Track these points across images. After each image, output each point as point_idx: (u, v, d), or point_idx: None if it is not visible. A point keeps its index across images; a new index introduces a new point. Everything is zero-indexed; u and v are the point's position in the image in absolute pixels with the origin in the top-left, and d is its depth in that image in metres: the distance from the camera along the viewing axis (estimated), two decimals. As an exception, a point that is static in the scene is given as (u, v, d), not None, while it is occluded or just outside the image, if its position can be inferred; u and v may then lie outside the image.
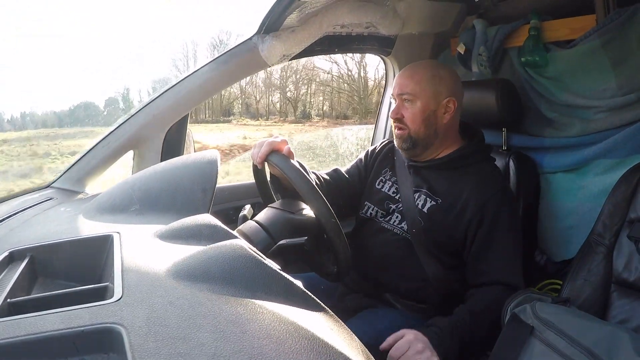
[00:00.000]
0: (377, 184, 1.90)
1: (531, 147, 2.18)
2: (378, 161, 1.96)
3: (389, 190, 1.84)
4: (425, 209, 1.72)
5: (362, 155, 2.04)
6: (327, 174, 1.92)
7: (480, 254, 1.67)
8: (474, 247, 1.68)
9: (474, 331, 1.52)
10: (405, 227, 1.74)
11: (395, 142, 1.82)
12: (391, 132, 1.87)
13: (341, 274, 1.50)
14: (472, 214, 1.66)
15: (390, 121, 1.79)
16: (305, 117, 19.54)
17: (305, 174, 1.46)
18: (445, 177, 1.75)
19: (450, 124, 1.77)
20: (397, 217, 1.78)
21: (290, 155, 1.53)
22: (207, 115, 18.57)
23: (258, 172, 1.67)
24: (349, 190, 1.93)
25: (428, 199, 1.73)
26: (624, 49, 1.87)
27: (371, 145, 2.30)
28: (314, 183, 1.56)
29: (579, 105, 2.02)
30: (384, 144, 2.02)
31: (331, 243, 1.43)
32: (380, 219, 1.82)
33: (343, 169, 1.99)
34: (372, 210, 1.85)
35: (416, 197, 1.75)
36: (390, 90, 2.56)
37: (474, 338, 1.52)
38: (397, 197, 1.81)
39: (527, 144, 2.19)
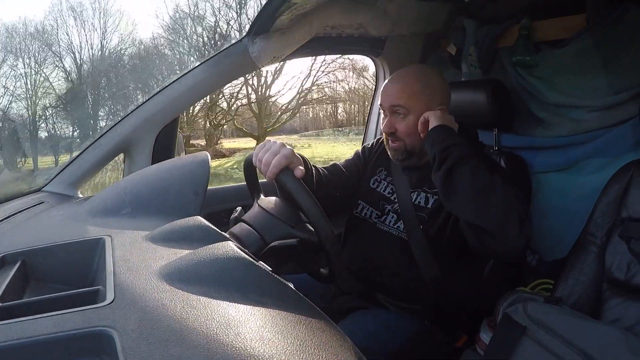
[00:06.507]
0: (371, 182, 1.87)
1: (522, 147, 2.18)
2: (374, 159, 1.92)
3: (384, 191, 1.82)
4: (429, 205, 1.69)
5: (359, 150, 2.00)
6: (326, 168, 1.86)
7: None
8: None
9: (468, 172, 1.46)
10: (402, 227, 1.72)
11: (389, 153, 1.78)
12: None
13: (333, 276, 1.49)
14: None
15: (381, 125, 1.76)
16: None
17: (315, 200, 1.39)
18: None
19: None
20: (392, 217, 1.76)
21: (302, 174, 1.38)
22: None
23: (249, 170, 1.66)
24: (346, 184, 1.87)
25: (429, 195, 1.71)
26: (614, 48, 1.88)
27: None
28: (314, 178, 1.56)
29: (570, 105, 2.03)
30: (380, 140, 1.95)
31: (328, 259, 1.41)
32: (375, 220, 1.79)
33: (341, 164, 1.95)
34: (367, 210, 1.82)
35: (415, 197, 1.73)
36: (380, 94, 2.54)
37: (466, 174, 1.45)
38: (392, 198, 1.78)
39: (519, 144, 2.20)
